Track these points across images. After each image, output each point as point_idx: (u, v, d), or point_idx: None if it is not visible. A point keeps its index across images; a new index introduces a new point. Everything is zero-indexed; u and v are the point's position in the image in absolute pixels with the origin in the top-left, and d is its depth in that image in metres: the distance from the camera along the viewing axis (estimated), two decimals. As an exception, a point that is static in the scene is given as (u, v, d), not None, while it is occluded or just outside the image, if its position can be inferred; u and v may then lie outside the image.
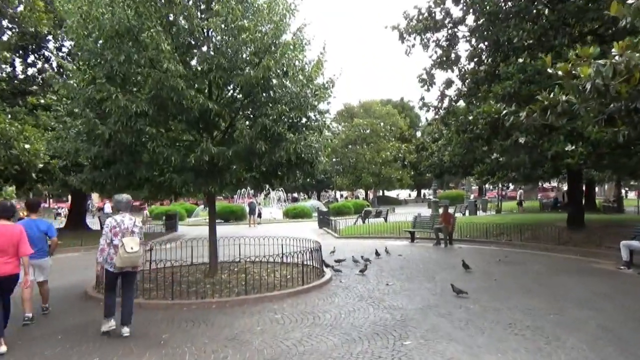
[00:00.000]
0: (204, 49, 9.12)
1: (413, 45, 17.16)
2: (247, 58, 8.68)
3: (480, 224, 18.45)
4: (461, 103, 16.93)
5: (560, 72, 5.67)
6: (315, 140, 9.50)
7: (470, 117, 14.27)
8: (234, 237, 14.96)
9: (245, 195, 42.26)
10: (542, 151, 13.53)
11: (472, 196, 48.22)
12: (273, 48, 8.65)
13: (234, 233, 21.92)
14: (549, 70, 6.00)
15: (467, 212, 32.57)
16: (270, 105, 8.79)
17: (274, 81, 8.92)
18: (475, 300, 8.00)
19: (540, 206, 36.32)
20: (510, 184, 38.87)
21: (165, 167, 8.44)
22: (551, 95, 6.36)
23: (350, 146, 61.93)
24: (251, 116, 9.19)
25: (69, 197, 31.17)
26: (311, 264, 10.48)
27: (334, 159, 64.46)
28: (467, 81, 16.26)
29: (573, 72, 5.45)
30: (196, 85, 8.87)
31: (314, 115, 9.89)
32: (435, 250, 15.07)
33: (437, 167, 15.44)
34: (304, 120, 9.71)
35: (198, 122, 9.05)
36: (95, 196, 67.01)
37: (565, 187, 43.42)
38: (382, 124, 58.72)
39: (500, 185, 34.14)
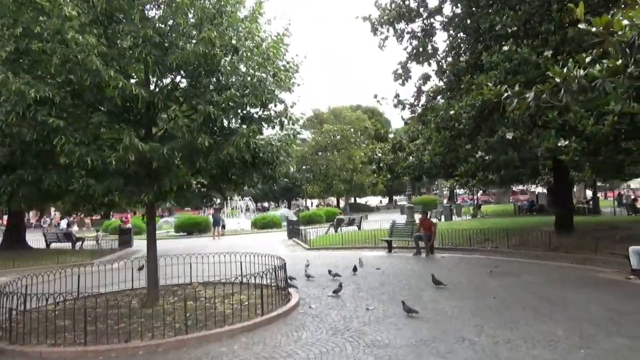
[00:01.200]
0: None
1: (386, 38, 15.73)
2: (186, 31, 6.89)
3: (461, 230, 17.04)
4: (439, 100, 15.53)
5: (595, 28, 4.33)
6: (276, 136, 7.77)
7: (452, 112, 12.85)
8: (191, 254, 13.03)
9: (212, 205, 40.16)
10: (532, 147, 12.21)
11: (444, 201, 47.46)
12: (218, 18, 6.89)
13: (193, 248, 19.94)
14: (581, 26, 4.55)
15: (442, 218, 31.35)
16: (218, 91, 7.02)
17: (223, 62, 7.17)
18: (479, 329, 6.39)
19: (515, 209, 35.53)
20: (478, 188, 37.91)
21: (77, 171, 6.50)
22: (564, 70, 4.91)
23: (320, 153, 60.48)
24: (195, 105, 7.36)
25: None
26: (275, 284, 8.71)
27: (303, 167, 62.92)
28: (446, 74, 14.88)
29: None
30: (125, 68, 7.04)
31: (275, 106, 8.14)
32: (416, 261, 13.51)
33: (415, 168, 13.94)
34: (261, 111, 7.97)
35: (123, 113, 7.18)
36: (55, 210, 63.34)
37: (538, 190, 43.07)
38: (352, 129, 57.48)
39: (474, 189, 33.06)
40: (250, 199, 49.09)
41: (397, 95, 15.64)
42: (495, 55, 12.45)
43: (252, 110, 7.73)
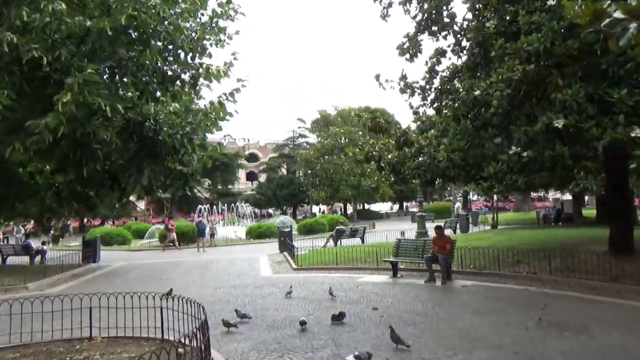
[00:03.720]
0: None
1: (390, 4, 12.41)
2: None
3: (484, 247, 13.57)
4: (457, 84, 12.14)
5: None
6: (183, 109, 4.49)
7: (477, 93, 9.46)
8: (143, 276, 9.78)
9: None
10: (589, 140, 8.79)
11: (458, 208, 43.72)
12: None
13: (160, 266, 16.64)
14: None
15: (457, 228, 27.79)
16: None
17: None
18: None
19: (537, 219, 31.83)
20: (502, 194, 33.98)
21: None
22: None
23: (326, 156, 57.21)
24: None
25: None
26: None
27: (309, 171, 59.67)
28: (465, 49, 11.51)
29: None
30: None
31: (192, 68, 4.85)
32: (430, 294, 10.07)
33: (427, 169, 10.51)
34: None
35: None
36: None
37: (565, 197, 39.11)
38: (360, 132, 54.09)
39: (497, 196, 29.41)
40: (247, 204, 45.90)
41: (403, 77, 12.27)
42: (537, 14, 9.13)
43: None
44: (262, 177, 74.24)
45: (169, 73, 5.11)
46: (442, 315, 7.95)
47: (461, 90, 10.29)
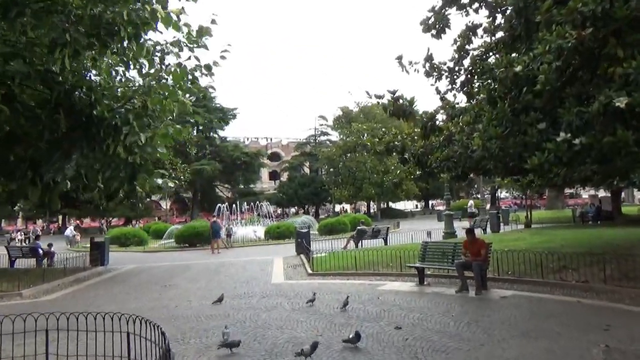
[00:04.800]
0: None
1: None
2: None
3: (522, 250, 11.95)
4: (493, 61, 10.59)
5: None
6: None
7: (518, 69, 7.92)
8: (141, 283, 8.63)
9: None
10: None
11: (471, 206, 41.29)
12: None
13: (170, 269, 15.34)
14: None
15: (488, 228, 25.96)
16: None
17: None
18: None
19: (574, 217, 29.68)
20: (537, 191, 31.73)
21: None
22: None
23: (349, 154, 55.74)
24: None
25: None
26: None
27: (331, 169, 58.31)
28: (506, 16, 9.93)
29: None
30: None
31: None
32: (464, 306, 8.56)
33: (459, 160, 8.97)
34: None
35: None
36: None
37: (602, 194, 36.64)
38: (384, 129, 52.37)
39: (528, 192, 27.41)
40: (267, 204, 44.79)
41: (429, 58, 10.75)
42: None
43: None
44: (285, 176, 73.27)
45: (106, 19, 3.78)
46: (481, 338, 6.47)
47: (497, 68, 8.74)
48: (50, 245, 21.79)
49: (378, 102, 8.54)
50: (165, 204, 66.83)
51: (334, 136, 66.42)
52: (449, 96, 11.17)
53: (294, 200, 63.24)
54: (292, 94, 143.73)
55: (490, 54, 10.95)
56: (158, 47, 3.87)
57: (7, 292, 12.66)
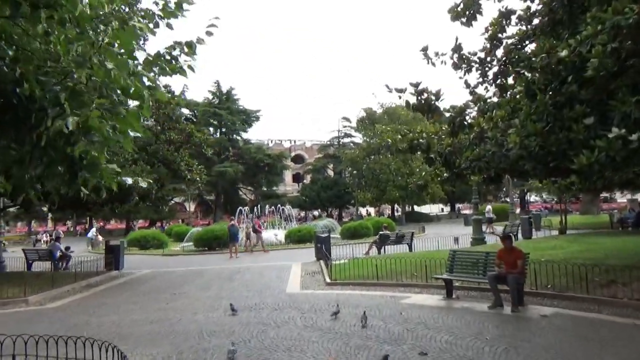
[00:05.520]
0: None
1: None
2: None
3: (561, 261, 10.80)
4: (529, 48, 9.54)
5: None
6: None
7: (563, 54, 6.87)
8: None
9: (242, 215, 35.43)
10: None
11: (489, 211, 39.33)
12: None
13: (181, 277, 14.52)
14: None
15: (519, 234, 24.56)
16: None
17: None
18: None
19: (611, 223, 27.95)
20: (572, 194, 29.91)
21: None
22: None
23: (372, 156, 54.69)
24: None
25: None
26: None
27: (354, 171, 57.32)
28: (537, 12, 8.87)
29: None
30: None
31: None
32: (500, 327, 7.51)
33: (492, 160, 7.91)
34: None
35: None
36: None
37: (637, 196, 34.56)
38: (408, 131, 51.13)
39: (563, 196, 25.85)
40: (289, 206, 44.02)
41: (457, 48, 9.74)
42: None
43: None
44: (308, 179, 72.59)
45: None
46: (522, 369, 5.47)
47: (536, 56, 7.69)
48: (67, 248, 21.49)
49: (399, 97, 7.61)
50: (189, 206, 67.02)
51: (358, 138, 65.48)
52: (480, 90, 10.14)
53: (317, 203, 62.42)
54: (317, 95, 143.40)
55: (527, 42, 9.88)
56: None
57: (13, 298, 12.16)
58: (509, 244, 9.10)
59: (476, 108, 8.76)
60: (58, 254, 19.59)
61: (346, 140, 68.52)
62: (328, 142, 69.90)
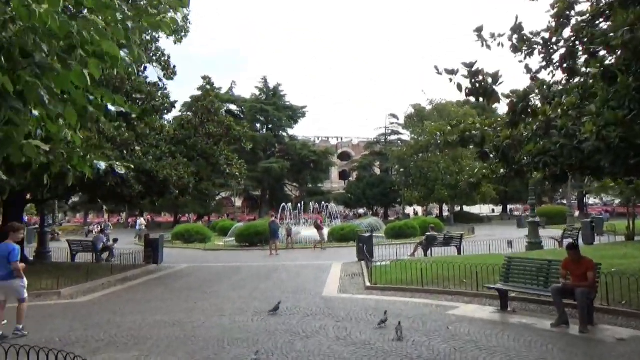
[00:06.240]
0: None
1: None
2: None
3: (637, 273, 9.36)
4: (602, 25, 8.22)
5: None
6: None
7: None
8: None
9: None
10: None
11: (577, 213, 36.61)
12: None
13: (217, 273, 14.00)
14: None
15: (579, 239, 22.56)
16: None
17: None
18: None
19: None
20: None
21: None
22: None
23: (421, 154, 53.01)
24: None
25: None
26: None
27: (401, 169, 55.82)
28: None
29: None
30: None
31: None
32: (567, 351, 6.32)
33: (561, 154, 6.68)
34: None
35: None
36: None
37: None
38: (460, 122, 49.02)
39: (633, 199, 23.56)
40: (333, 204, 43.27)
41: (517, 28, 8.53)
42: None
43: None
44: (354, 176, 71.60)
45: None
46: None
47: (616, 31, 6.45)
48: (115, 240, 21.72)
49: (450, 80, 6.57)
50: (236, 201, 67.69)
51: (406, 135, 63.80)
52: (543, 75, 8.87)
53: (362, 200, 61.30)
54: (365, 93, 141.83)
55: (600, 20, 8.54)
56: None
57: (47, 290, 12.01)
58: (575, 254, 7.82)
59: (539, 95, 7.55)
60: (100, 245, 19.70)
61: (393, 137, 66.96)
62: (375, 139, 68.53)
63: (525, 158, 7.46)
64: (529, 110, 6.83)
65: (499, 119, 8.79)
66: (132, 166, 4.68)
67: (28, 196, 18.00)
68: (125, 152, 13.56)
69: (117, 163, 3.56)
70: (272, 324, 8.02)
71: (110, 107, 3.10)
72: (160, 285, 13.22)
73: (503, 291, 8.81)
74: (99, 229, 36.60)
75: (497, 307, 8.89)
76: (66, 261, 19.36)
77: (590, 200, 71.18)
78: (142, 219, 40.57)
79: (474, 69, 6.50)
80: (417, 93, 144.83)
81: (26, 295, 7.88)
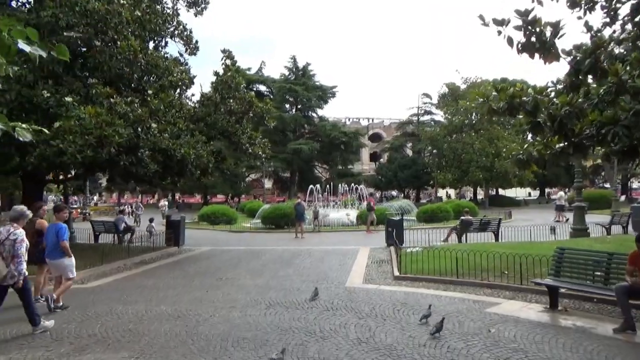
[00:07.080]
0: None
1: None
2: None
3: None
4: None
5: None
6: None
7: None
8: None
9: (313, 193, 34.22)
10: None
11: (622, 197, 34.17)
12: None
13: (238, 257, 13.17)
14: None
15: (629, 226, 20.75)
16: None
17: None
18: None
19: None
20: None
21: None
22: None
23: (454, 135, 51.01)
24: None
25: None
26: None
27: (434, 151, 53.90)
28: None
29: None
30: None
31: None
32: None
33: (637, 125, 5.43)
34: None
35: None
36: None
37: None
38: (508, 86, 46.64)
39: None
40: (362, 186, 42.03)
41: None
42: None
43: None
44: (385, 158, 69.95)
45: None
46: None
47: None
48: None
49: (499, 32, 5.36)
50: (265, 183, 67.27)
51: (439, 115, 61.60)
52: (607, 34, 7.47)
53: (393, 182, 59.82)
54: (398, 74, 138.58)
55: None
56: None
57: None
58: (645, 246, 6.54)
59: (603, 54, 6.20)
60: (122, 226, 19.31)
61: (426, 117, 64.81)
62: (407, 120, 66.50)
63: (588, 130, 6.18)
64: (598, 67, 5.53)
65: (551, 88, 7.47)
66: (45, 130, 3.73)
67: (50, 175, 17.65)
68: (140, 129, 12.79)
69: (18, 127, 2.63)
70: (287, 319, 7.10)
71: (21, 44, 2.18)
72: (177, 269, 12.53)
73: (553, 287, 7.60)
74: (131, 209, 36.73)
75: (546, 305, 7.70)
76: (88, 242, 19.05)
77: (635, 184, 67.57)
78: (164, 200, 40.51)
79: (529, 17, 5.25)
80: (451, 73, 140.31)
81: (74, 274, 8.19)
